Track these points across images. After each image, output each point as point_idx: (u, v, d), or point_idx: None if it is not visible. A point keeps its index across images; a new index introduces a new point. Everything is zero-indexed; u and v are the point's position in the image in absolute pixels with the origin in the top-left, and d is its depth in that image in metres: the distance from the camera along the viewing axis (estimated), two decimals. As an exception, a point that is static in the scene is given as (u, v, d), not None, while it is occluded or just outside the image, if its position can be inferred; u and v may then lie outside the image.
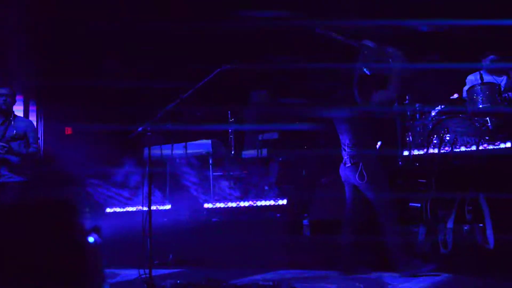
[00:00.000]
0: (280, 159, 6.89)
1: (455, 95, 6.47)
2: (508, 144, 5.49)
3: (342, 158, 4.87)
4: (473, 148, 5.59)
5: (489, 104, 5.80)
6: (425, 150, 5.73)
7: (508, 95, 5.88)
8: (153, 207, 5.81)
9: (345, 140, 4.80)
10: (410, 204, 5.21)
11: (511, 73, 5.89)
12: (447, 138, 5.48)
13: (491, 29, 6.35)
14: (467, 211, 4.77)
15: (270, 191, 6.47)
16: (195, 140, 7.04)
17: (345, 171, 4.81)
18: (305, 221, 5.62)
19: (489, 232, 4.62)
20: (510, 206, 4.86)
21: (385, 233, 4.61)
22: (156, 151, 6.08)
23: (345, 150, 4.82)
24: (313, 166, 6.51)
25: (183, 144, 6.98)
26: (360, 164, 4.62)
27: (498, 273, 4.47)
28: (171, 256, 5.84)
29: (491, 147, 5.55)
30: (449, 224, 4.73)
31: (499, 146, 5.59)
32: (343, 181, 4.92)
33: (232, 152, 7.32)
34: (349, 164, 4.71)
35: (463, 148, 5.63)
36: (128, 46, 8.23)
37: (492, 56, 6.29)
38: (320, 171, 6.26)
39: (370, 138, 4.79)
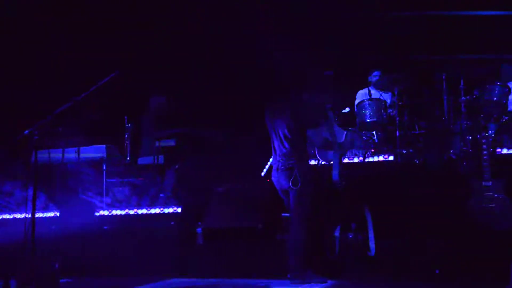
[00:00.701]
0: (177, 166, 6.85)
1: (347, 109, 6.78)
2: (391, 157, 5.87)
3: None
4: (360, 159, 5.93)
5: (375, 119, 6.16)
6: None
7: (393, 111, 6.28)
8: (39, 214, 5.54)
9: (281, 145, 4.83)
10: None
11: (396, 91, 6.27)
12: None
13: (378, 46, 6.80)
14: (352, 220, 5.04)
15: (165, 198, 6.40)
16: (89, 144, 6.80)
17: (278, 177, 4.84)
18: (199, 229, 5.63)
19: (371, 240, 4.91)
20: (391, 215, 5.23)
21: (292, 239, 4.72)
22: (43, 155, 5.80)
23: (279, 156, 4.84)
24: (209, 174, 6.53)
25: (76, 148, 6.71)
26: (295, 170, 4.68)
27: (378, 278, 4.78)
28: (57, 266, 5.58)
29: (375, 159, 5.91)
30: (336, 232, 4.96)
31: (387, 159, 5.98)
32: (277, 188, 4.93)
33: (128, 158, 7.16)
34: (283, 169, 4.76)
35: (354, 159, 5.94)
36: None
37: (376, 72, 6.69)
38: (216, 179, 6.30)
39: (305, 146, 4.89)
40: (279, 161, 4.81)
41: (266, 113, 5.02)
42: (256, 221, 5.59)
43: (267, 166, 7.21)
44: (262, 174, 7.08)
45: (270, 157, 7.22)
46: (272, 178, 4.92)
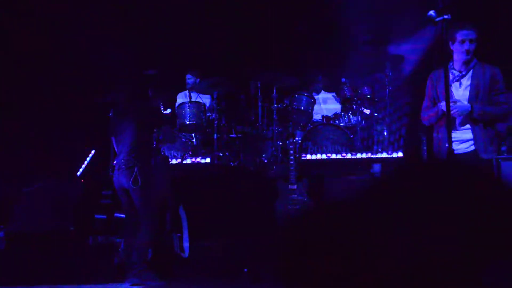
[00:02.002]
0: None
1: (168, 110, 6.80)
2: (208, 160, 6.05)
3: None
4: (178, 161, 6.01)
5: (195, 121, 6.30)
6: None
7: (212, 115, 6.49)
8: None
9: (124, 145, 4.76)
10: (115, 214, 5.31)
11: (215, 94, 6.49)
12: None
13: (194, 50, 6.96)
14: (168, 221, 5.10)
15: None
16: None
17: (118, 176, 4.75)
18: (1, 233, 5.18)
19: (186, 242, 5.01)
20: (207, 216, 5.40)
21: (138, 237, 4.64)
22: None
23: (121, 155, 4.76)
24: (15, 175, 6.06)
25: None
26: (136, 169, 4.62)
27: (192, 279, 4.89)
28: None
29: (189, 161, 6.04)
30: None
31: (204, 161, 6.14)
32: (116, 188, 4.83)
33: None
34: (124, 168, 4.68)
35: (173, 161, 5.99)
36: None
37: (188, 75, 6.83)
38: (23, 180, 5.86)
39: (148, 145, 4.88)
40: (121, 160, 4.78)
41: (111, 113, 5.01)
42: (66, 224, 5.34)
43: (83, 166, 6.92)
44: (78, 173, 6.78)
45: (87, 157, 7.01)
46: (114, 177, 4.87)
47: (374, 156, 5.81)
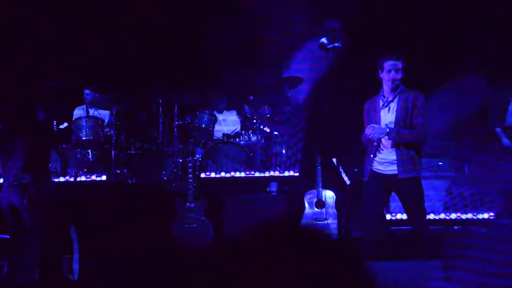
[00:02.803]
0: None
1: (65, 124, 6.50)
2: (104, 177, 5.86)
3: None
4: (71, 179, 5.76)
5: (91, 137, 6.08)
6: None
7: (110, 131, 6.29)
8: None
9: (16, 160, 4.60)
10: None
11: (114, 110, 6.30)
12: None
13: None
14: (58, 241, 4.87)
15: None
16: None
17: (8, 194, 4.59)
18: None
19: (76, 263, 4.80)
20: (101, 236, 5.21)
21: (26, 256, 4.52)
22: None
23: (13, 172, 4.58)
24: None
25: None
26: (30, 186, 4.52)
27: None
28: None
29: (83, 178, 5.81)
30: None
31: (100, 178, 5.92)
32: (3, 207, 4.65)
33: None
34: (15, 185, 4.54)
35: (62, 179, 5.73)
36: None
37: (86, 91, 6.60)
38: None
39: (43, 162, 4.76)
40: (12, 176, 4.60)
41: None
42: None
43: None
44: None
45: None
46: (1, 195, 4.67)
47: (272, 174, 5.91)
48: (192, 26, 6.93)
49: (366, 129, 4.40)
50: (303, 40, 6.42)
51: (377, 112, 4.45)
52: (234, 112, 6.91)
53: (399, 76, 4.37)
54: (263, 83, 6.79)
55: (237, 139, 6.43)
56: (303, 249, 1.54)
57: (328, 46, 3.71)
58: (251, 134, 6.44)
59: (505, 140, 5.83)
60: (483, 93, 6.18)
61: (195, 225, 5.35)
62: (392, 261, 4.15)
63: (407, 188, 4.38)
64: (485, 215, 5.53)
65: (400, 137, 4.33)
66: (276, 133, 6.51)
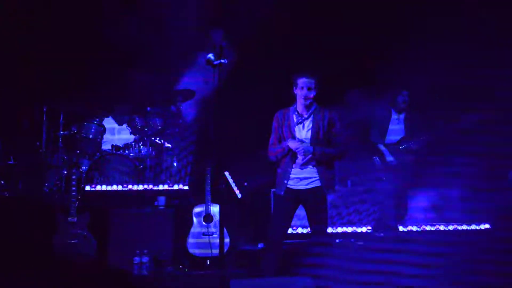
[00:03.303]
0: None
1: None
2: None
3: None
4: None
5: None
6: None
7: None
8: None
9: None
10: None
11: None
12: None
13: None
14: None
15: None
16: None
17: None
18: None
19: None
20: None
21: None
22: None
23: None
24: None
25: None
26: None
27: None
28: None
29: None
30: None
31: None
32: None
33: None
34: None
35: None
36: None
37: None
38: None
39: None
40: None
41: None
42: None
43: None
44: None
45: None
46: None
47: (161, 188, 5.82)
48: (82, 28, 6.63)
49: (290, 142, 4.48)
50: (196, 53, 6.42)
51: (291, 127, 4.56)
52: (125, 123, 6.70)
53: (311, 94, 4.52)
54: (157, 94, 6.68)
55: (127, 151, 6.26)
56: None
57: (215, 62, 3.72)
58: (142, 146, 6.30)
59: (389, 157, 6.19)
60: (364, 110, 6.53)
61: (76, 240, 5.12)
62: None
63: (321, 202, 4.51)
64: (364, 229, 5.80)
65: (324, 155, 4.50)
66: (167, 145, 6.42)
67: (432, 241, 5.54)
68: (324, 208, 4.56)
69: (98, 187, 5.69)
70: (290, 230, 5.51)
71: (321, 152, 4.48)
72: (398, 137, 6.29)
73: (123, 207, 5.56)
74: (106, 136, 6.39)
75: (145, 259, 5.11)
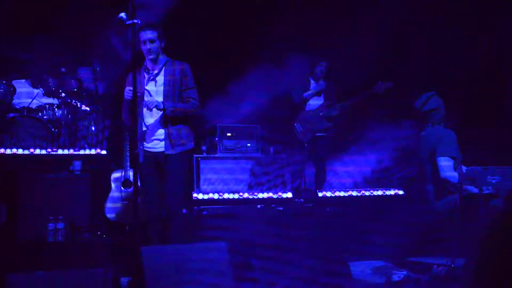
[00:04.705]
0: None
1: None
2: None
3: None
4: None
5: None
6: None
7: None
8: None
9: None
10: None
11: None
12: None
13: None
14: None
15: None
16: None
17: None
18: None
19: None
20: None
21: None
22: None
23: None
24: None
25: None
26: None
27: None
28: None
29: None
30: None
31: None
32: None
33: None
34: None
35: None
36: None
37: None
38: None
39: None
40: None
41: None
42: None
43: None
44: None
45: None
46: None
47: (77, 152, 5.58)
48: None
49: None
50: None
51: (142, 85, 4.31)
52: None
53: (153, 47, 4.24)
54: (71, 55, 6.35)
55: (40, 114, 5.93)
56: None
57: (127, 22, 3.53)
58: (56, 109, 5.98)
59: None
60: (287, 76, 6.57)
61: None
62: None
63: (174, 165, 4.29)
64: (289, 195, 5.85)
65: (175, 111, 4.27)
66: (84, 108, 6.13)
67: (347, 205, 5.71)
68: (177, 170, 4.31)
69: (8, 151, 5.37)
70: (216, 196, 5.51)
71: (172, 108, 4.24)
72: (318, 104, 6.41)
73: (36, 172, 5.30)
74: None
75: (60, 225, 4.91)
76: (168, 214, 4.31)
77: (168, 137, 4.29)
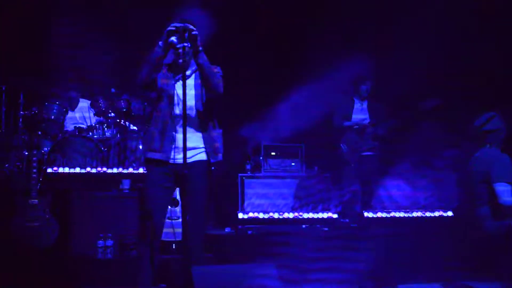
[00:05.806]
0: None
1: None
2: None
3: None
4: None
5: None
6: None
7: None
8: None
9: None
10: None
11: None
12: None
13: None
14: None
15: None
16: None
17: None
18: None
19: None
20: None
21: None
22: None
23: None
24: None
25: None
26: None
27: None
28: None
29: None
30: None
31: None
32: None
33: None
34: None
35: None
36: None
37: None
38: None
39: None
40: None
41: None
42: None
43: None
44: None
45: None
46: None
47: (125, 171, 5.69)
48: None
49: None
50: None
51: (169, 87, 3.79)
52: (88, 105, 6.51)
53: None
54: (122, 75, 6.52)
55: (90, 133, 6.11)
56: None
57: (178, 46, 3.59)
58: (106, 128, 6.15)
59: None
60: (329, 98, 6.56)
61: (37, 223, 5.00)
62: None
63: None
64: (334, 215, 5.75)
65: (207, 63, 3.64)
66: (132, 128, 6.28)
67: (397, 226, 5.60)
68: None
69: (61, 170, 5.53)
70: (261, 215, 5.48)
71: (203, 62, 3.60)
72: (362, 118, 6.37)
73: (87, 190, 5.43)
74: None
75: (109, 242, 5.01)
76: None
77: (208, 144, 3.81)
